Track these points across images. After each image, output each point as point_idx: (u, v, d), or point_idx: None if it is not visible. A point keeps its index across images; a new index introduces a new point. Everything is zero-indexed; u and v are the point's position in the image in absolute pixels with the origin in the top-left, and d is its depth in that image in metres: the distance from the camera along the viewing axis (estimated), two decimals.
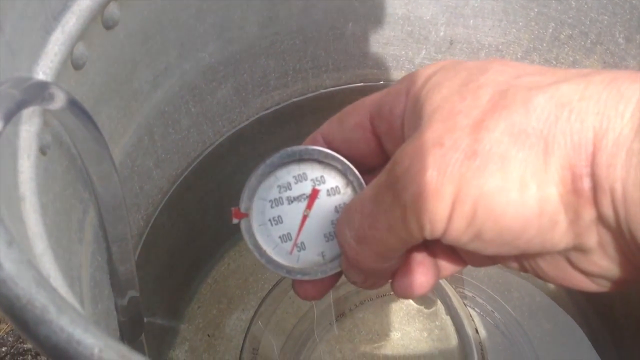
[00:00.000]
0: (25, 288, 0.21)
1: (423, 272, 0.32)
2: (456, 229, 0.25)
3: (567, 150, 0.23)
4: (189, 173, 0.56)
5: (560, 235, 0.25)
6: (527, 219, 0.24)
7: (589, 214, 0.24)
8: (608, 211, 0.23)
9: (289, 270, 0.35)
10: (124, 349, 0.20)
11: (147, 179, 0.51)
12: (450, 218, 0.25)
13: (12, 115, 0.25)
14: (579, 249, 0.25)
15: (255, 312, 0.59)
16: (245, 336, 0.58)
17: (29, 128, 0.32)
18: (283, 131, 0.62)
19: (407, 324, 0.59)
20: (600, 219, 0.24)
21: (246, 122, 0.59)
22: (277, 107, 0.60)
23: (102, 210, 0.38)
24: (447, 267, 0.33)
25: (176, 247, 0.60)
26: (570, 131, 0.23)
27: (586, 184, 0.23)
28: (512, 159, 0.24)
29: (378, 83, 0.61)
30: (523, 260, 0.29)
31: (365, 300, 0.60)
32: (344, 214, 0.31)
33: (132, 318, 0.43)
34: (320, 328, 0.59)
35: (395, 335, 0.59)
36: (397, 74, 0.61)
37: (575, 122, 0.23)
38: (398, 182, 0.26)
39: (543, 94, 0.24)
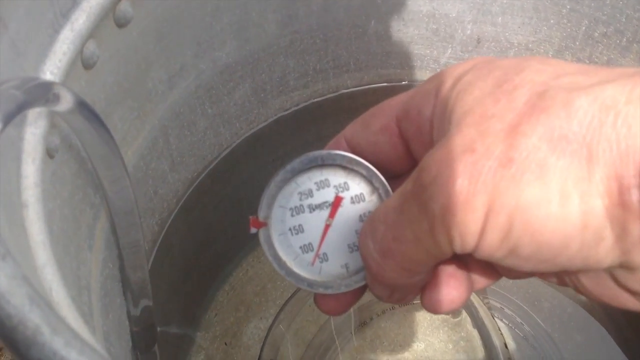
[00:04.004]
0: (17, 306, 0.19)
1: (455, 285, 0.30)
2: (489, 243, 0.24)
3: (613, 159, 0.22)
4: (205, 176, 0.55)
5: (606, 252, 0.23)
6: (569, 234, 0.22)
7: (638, 229, 0.22)
8: None
9: (311, 284, 0.33)
10: None
11: (162, 182, 0.50)
12: (482, 232, 0.24)
13: (12, 117, 0.25)
14: (626, 266, 0.23)
15: (274, 320, 0.59)
16: (263, 345, 0.58)
17: (34, 130, 0.30)
18: (303, 133, 0.62)
19: (431, 335, 0.58)
20: None
21: (264, 124, 0.58)
22: (297, 108, 0.59)
23: (113, 216, 0.37)
24: (481, 280, 0.31)
25: (192, 253, 0.59)
26: (617, 137, 0.22)
27: (635, 196, 0.21)
28: (551, 167, 0.22)
29: (401, 83, 0.60)
30: (563, 276, 0.27)
31: (387, 309, 0.59)
32: (367, 224, 0.29)
33: (145, 328, 0.42)
34: (341, 338, 0.58)
35: (418, 346, 0.57)
36: (421, 74, 0.60)
37: (622, 128, 0.22)
38: (425, 192, 0.25)
39: (586, 96, 0.23)
